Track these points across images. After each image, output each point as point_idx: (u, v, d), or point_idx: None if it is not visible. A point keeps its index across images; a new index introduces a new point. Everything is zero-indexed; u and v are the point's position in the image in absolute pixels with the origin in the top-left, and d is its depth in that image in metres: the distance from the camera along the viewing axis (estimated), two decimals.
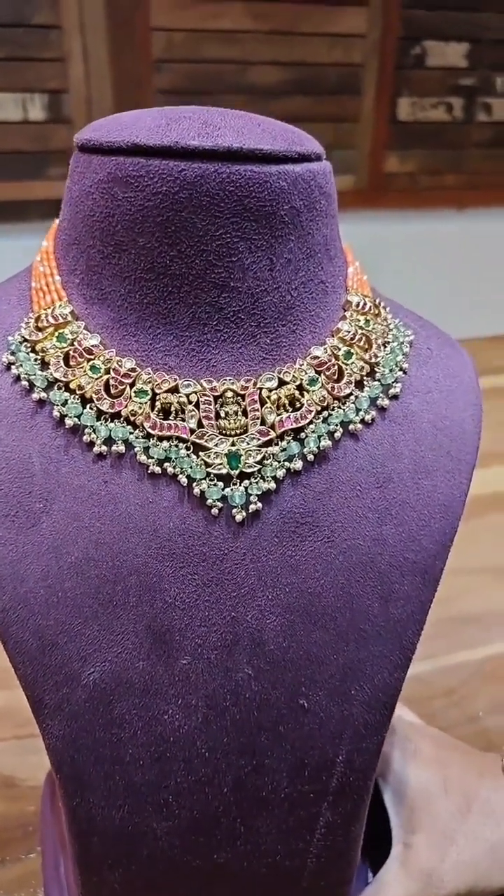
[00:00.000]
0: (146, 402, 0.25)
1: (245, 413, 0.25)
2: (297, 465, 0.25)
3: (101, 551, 0.24)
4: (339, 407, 0.26)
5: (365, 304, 0.29)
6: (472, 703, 0.51)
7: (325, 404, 0.26)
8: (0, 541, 0.24)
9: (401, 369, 0.29)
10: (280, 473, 0.25)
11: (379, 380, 0.28)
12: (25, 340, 0.26)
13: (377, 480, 0.26)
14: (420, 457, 0.28)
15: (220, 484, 0.25)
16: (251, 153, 0.24)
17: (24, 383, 0.25)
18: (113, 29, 1.27)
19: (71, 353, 0.25)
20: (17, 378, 0.26)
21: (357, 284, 0.30)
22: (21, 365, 0.26)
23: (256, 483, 0.25)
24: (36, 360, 0.26)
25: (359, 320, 0.28)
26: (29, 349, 0.26)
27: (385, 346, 0.29)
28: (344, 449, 0.26)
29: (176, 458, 0.24)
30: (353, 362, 0.27)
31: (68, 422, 0.25)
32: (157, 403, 0.25)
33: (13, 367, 0.26)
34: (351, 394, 0.27)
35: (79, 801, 0.24)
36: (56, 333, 0.26)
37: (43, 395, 0.25)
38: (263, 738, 0.25)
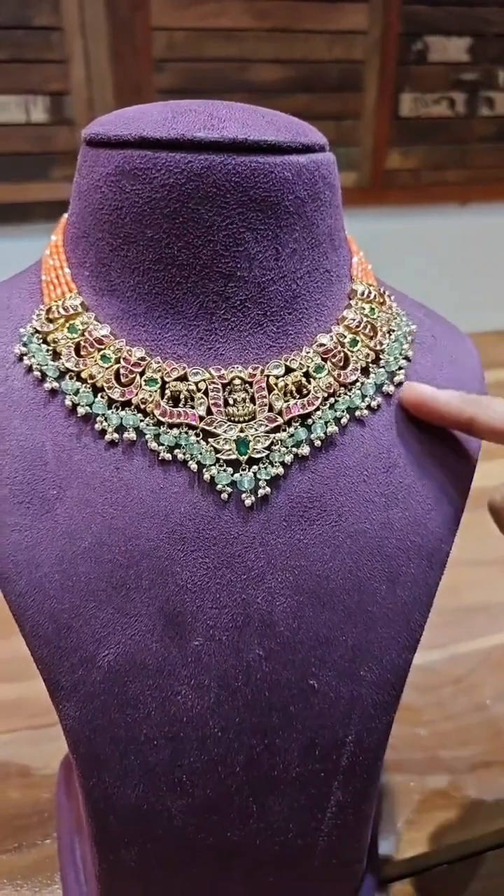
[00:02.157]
0: (156, 391, 0.25)
1: (253, 400, 0.26)
2: (305, 450, 0.26)
3: (113, 536, 0.24)
4: (346, 393, 0.27)
5: (370, 292, 0.29)
6: (479, 692, 0.52)
7: (331, 391, 0.27)
8: (16, 527, 0.24)
9: (405, 357, 0.29)
10: (288, 459, 0.25)
11: (384, 367, 0.28)
12: (37, 332, 0.26)
13: (383, 465, 0.27)
14: (425, 442, 0.28)
15: (230, 469, 0.25)
16: (256, 144, 0.25)
17: (37, 373, 0.26)
18: (113, 30, 1.28)
19: (82, 343, 0.26)
20: (30, 368, 0.26)
21: (361, 274, 0.30)
22: (33, 356, 0.26)
23: (265, 468, 0.25)
24: (48, 350, 0.26)
25: (363, 308, 0.29)
26: (40, 340, 0.26)
27: (390, 334, 0.29)
28: (350, 435, 0.27)
29: (186, 445, 0.25)
30: (358, 350, 0.28)
31: (80, 410, 0.25)
32: (167, 391, 0.25)
33: (25, 357, 0.26)
34: (357, 380, 0.27)
35: (95, 781, 0.25)
36: (67, 324, 0.26)
37: (55, 384, 0.26)
38: (275, 718, 0.25)
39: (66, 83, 1.31)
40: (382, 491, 0.27)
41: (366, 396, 0.27)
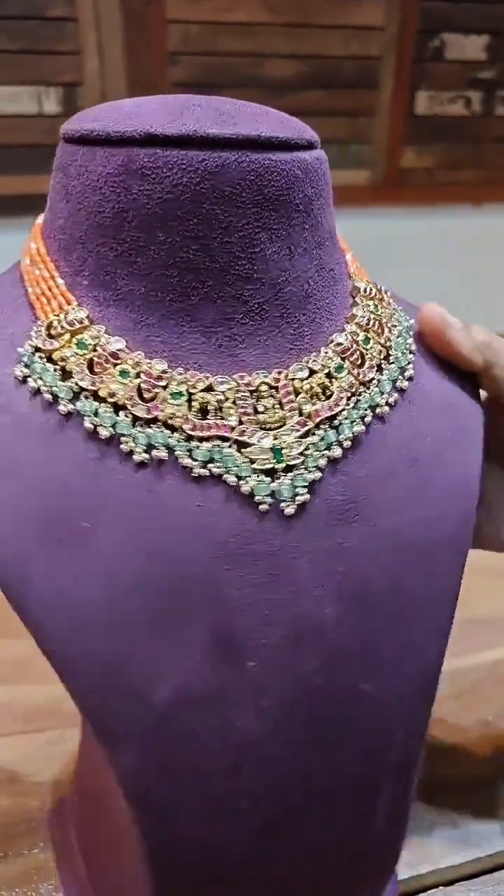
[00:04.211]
0: (183, 404, 0.24)
1: (281, 405, 0.25)
2: (337, 452, 0.25)
3: (156, 564, 0.23)
4: (366, 391, 0.27)
5: (370, 289, 0.29)
6: (483, 707, 0.50)
7: (353, 390, 0.26)
8: (48, 569, 0.22)
9: (410, 351, 0.29)
10: (322, 462, 0.25)
11: (394, 363, 0.28)
12: (38, 350, 0.24)
13: (407, 461, 0.27)
14: (440, 434, 0.28)
15: (267, 479, 0.24)
16: (268, 141, 0.24)
17: (47, 396, 0.24)
18: (128, 22, 1.27)
19: (95, 359, 0.24)
20: (36, 391, 0.24)
21: (356, 271, 0.30)
22: (39, 377, 0.24)
23: (301, 475, 0.24)
24: (55, 370, 0.24)
25: (368, 305, 0.28)
26: (44, 359, 0.24)
27: (394, 330, 0.29)
28: (374, 432, 0.26)
29: (220, 458, 0.24)
30: (371, 347, 0.27)
31: (103, 432, 0.23)
32: (194, 404, 0.24)
33: (29, 379, 0.24)
34: (373, 378, 0.27)
35: (156, 828, 0.24)
36: (74, 340, 0.24)
37: (69, 406, 0.23)
38: (332, 730, 0.25)
39: (79, 75, 1.30)
40: (409, 486, 0.27)
41: (384, 393, 0.27)
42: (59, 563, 0.22)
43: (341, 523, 0.25)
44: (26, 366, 0.24)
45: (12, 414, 0.24)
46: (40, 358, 0.24)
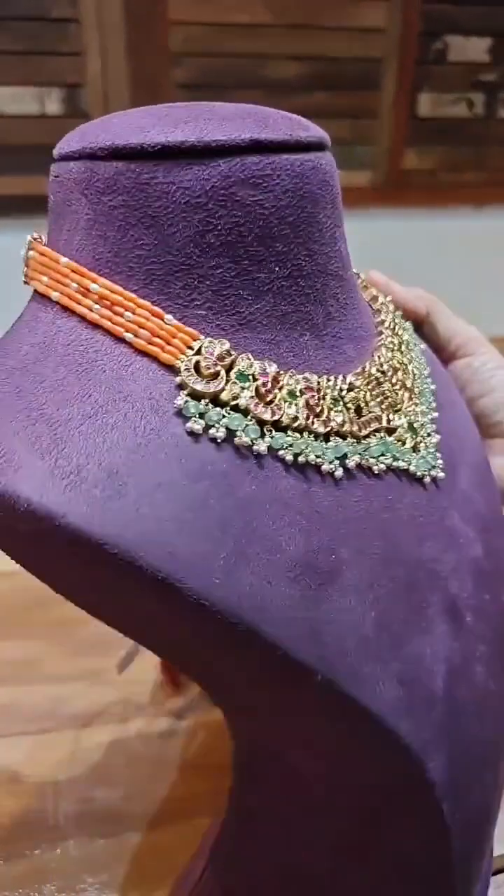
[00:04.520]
0: (342, 409, 0.24)
1: (393, 386, 0.27)
2: (433, 413, 0.28)
3: (388, 567, 0.24)
4: (414, 359, 0.30)
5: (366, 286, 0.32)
6: None
7: (409, 359, 0.29)
8: (319, 613, 0.21)
9: (411, 333, 0.32)
10: (432, 428, 0.28)
11: (414, 347, 0.31)
12: (200, 396, 0.21)
13: (451, 405, 0.31)
14: (445, 376, 0.33)
15: (416, 454, 0.26)
16: (320, 143, 0.25)
17: (243, 439, 0.21)
18: (131, 23, 1.27)
19: (258, 388, 0.22)
20: (223, 440, 0.21)
21: None
22: (217, 426, 0.21)
23: (428, 440, 0.27)
24: (228, 412, 0.22)
25: (382, 302, 0.31)
26: (209, 403, 0.21)
27: (396, 314, 0.32)
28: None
29: (387, 450, 0.25)
30: (397, 321, 0.30)
31: (305, 459, 0.22)
32: (349, 405, 0.24)
33: (212, 429, 0.21)
34: (412, 358, 0.30)
35: (461, 812, 0.24)
36: (233, 375, 0.22)
37: (262, 445, 0.22)
38: None
39: (81, 76, 1.30)
40: (461, 426, 0.31)
41: (418, 357, 0.31)
42: (316, 597, 0.21)
43: (453, 470, 0.28)
44: (200, 416, 0.21)
45: (212, 475, 0.21)
46: (206, 403, 0.21)
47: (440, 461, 0.27)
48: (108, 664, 0.45)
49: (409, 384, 0.27)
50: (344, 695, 0.21)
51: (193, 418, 0.21)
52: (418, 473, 0.25)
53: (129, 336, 0.22)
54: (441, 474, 0.26)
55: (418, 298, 0.35)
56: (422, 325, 0.35)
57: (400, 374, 0.27)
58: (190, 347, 0.22)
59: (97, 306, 0.23)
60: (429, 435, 0.27)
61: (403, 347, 0.29)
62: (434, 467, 0.26)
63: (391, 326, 0.29)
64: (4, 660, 0.50)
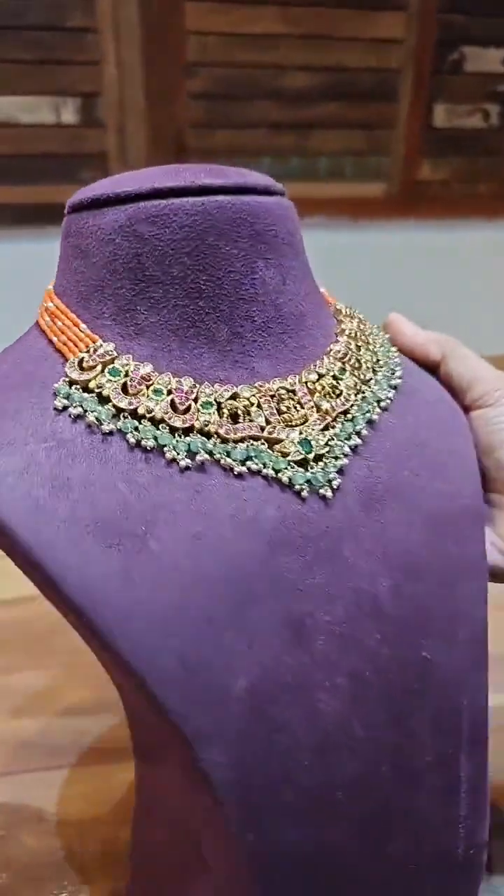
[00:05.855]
0: (214, 413, 0.27)
1: (301, 405, 0.28)
2: (356, 440, 0.28)
3: (215, 557, 0.24)
4: (368, 388, 0.30)
5: (345, 309, 0.34)
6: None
7: (357, 388, 0.30)
8: (114, 573, 0.23)
9: (394, 357, 0.33)
10: (346, 450, 0.28)
11: (384, 366, 0.32)
12: (74, 382, 0.27)
13: (417, 444, 0.30)
14: (439, 421, 0.32)
15: (301, 469, 0.27)
16: (253, 188, 0.29)
17: (91, 418, 0.26)
18: (147, 32, 1.27)
19: (128, 383, 0.27)
20: (76, 417, 0.26)
21: (330, 298, 0.35)
22: (79, 405, 0.26)
23: (331, 461, 0.27)
24: (92, 397, 0.26)
25: (352, 322, 0.33)
26: (80, 389, 0.27)
27: (376, 340, 0.33)
28: (383, 423, 0.30)
29: (256, 455, 0.26)
30: (363, 353, 0.32)
31: (146, 444, 0.26)
32: (224, 411, 0.27)
33: (69, 408, 0.26)
34: (371, 378, 0.31)
35: (255, 833, 0.23)
36: (107, 370, 0.27)
37: (111, 426, 0.26)
38: (404, 701, 0.26)
39: (97, 85, 1.30)
40: (424, 465, 0.30)
41: (383, 389, 0.31)
42: (123, 567, 0.23)
43: (373, 502, 0.28)
44: (66, 396, 0.26)
45: (57, 440, 0.25)
46: (76, 389, 0.26)
47: (337, 482, 0.27)
48: None
49: (333, 407, 0.28)
50: (120, 654, 0.23)
51: (59, 396, 0.26)
52: (296, 486, 0.26)
53: (55, 339, 0.29)
54: (329, 493, 0.27)
55: (432, 342, 0.35)
56: (436, 371, 0.35)
57: (335, 399, 0.29)
58: (88, 349, 0.27)
59: (48, 319, 0.30)
60: (336, 458, 0.28)
61: (357, 373, 0.30)
62: (324, 486, 0.27)
63: (345, 355, 0.30)
64: (24, 691, 0.50)
